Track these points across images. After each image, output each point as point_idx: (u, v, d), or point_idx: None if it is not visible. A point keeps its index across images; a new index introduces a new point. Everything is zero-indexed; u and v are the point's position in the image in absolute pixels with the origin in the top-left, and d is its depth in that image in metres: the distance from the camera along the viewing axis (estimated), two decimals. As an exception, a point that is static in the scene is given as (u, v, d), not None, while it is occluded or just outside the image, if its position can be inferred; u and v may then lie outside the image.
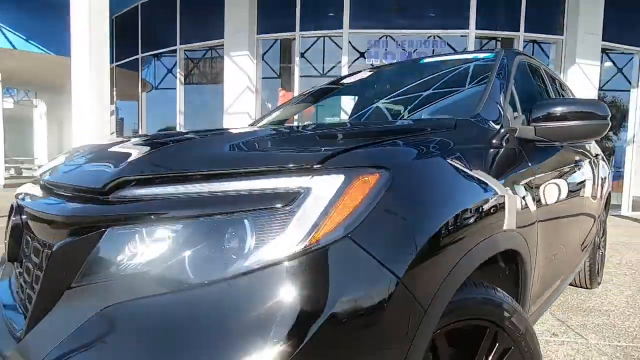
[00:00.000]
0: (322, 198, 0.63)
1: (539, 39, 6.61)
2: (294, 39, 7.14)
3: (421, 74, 1.75)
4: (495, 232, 0.88)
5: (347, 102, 2.08)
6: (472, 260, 0.78)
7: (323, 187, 0.64)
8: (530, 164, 1.20)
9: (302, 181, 0.64)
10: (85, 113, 4.16)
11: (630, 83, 7.45)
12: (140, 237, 0.65)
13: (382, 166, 0.71)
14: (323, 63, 7.83)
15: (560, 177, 1.44)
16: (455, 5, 6.49)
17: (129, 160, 0.74)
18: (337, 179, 0.65)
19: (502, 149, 1.12)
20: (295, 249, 0.59)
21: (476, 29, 6.46)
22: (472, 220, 0.80)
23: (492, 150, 1.08)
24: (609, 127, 1.27)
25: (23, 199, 0.97)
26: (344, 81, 2.15)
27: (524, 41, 6.54)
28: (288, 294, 0.58)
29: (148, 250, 0.64)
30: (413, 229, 0.69)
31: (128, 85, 9.47)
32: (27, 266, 0.86)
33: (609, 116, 1.26)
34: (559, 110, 1.23)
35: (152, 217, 0.65)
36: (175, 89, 8.39)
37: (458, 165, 0.84)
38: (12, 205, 1.15)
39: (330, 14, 6.84)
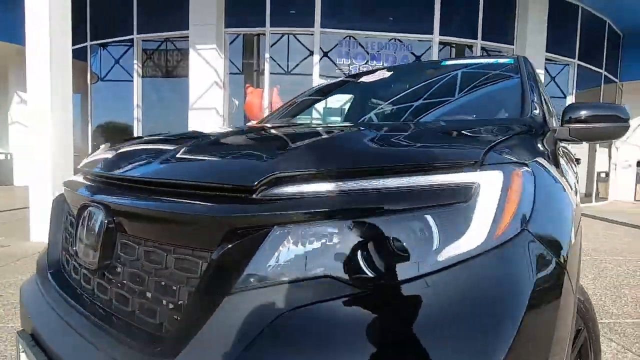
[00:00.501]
0: (493, 193, 0.65)
1: (493, 47, 7.17)
2: (264, 34, 7.00)
3: (447, 76, 1.83)
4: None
5: (365, 102, 2.11)
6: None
7: (490, 182, 0.66)
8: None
9: (472, 177, 0.66)
10: (44, 109, 3.72)
11: (561, 90, 8.41)
12: (307, 237, 0.62)
13: (523, 162, 0.75)
14: (287, 61, 7.78)
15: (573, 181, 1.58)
16: (422, 13, 6.82)
17: (278, 155, 0.70)
18: (498, 175, 0.68)
19: (557, 150, 1.22)
20: (484, 244, 0.61)
21: (439, 35, 6.85)
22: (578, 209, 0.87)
23: (552, 150, 1.17)
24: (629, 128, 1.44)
25: (99, 199, 0.86)
26: (362, 79, 2.17)
27: (481, 48, 7.06)
28: (484, 290, 0.59)
29: (317, 252, 0.61)
30: (560, 221, 0.74)
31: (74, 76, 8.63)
32: (131, 272, 0.78)
33: (630, 119, 1.43)
34: (590, 112, 1.36)
35: (317, 215, 0.63)
36: (128, 81, 7.83)
37: (561, 162, 0.91)
38: (64, 207, 1.02)
39: (301, 12, 6.82)
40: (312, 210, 0.63)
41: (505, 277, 0.61)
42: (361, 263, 0.60)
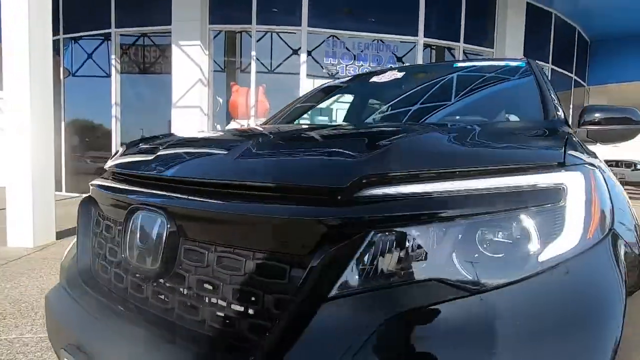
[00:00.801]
0: (579, 194, 0.67)
1: (474, 50, 7.39)
2: (248, 32, 6.89)
3: (460, 78, 1.86)
4: None
5: (384, 102, 2.10)
6: None
7: (575, 183, 0.68)
8: None
9: (560, 177, 0.67)
10: (23, 107, 3.49)
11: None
12: (405, 240, 0.61)
13: (591, 163, 0.77)
14: (271, 59, 7.70)
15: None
16: (407, 16, 6.94)
17: (363, 156, 0.68)
18: (580, 176, 0.70)
19: None
20: (580, 245, 0.62)
21: (424, 37, 6.99)
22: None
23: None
24: (641, 131, 1.51)
25: (158, 202, 0.81)
26: (372, 80, 2.17)
27: (463, 51, 7.27)
28: (584, 290, 0.60)
29: (418, 255, 0.61)
30: (628, 217, 0.77)
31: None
32: (200, 279, 0.73)
33: (643, 122, 1.50)
34: (604, 115, 1.42)
35: (414, 218, 0.62)
36: (102, 76, 7.49)
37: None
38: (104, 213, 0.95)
39: (288, 10, 6.76)
40: (410, 213, 0.62)
41: (602, 276, 0.62)
42: (465, 265, 0.60)
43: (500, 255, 0.61)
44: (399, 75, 2.07)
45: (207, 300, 0.73)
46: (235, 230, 0.71)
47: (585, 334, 0.57)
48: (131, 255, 0.83)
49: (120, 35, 7.31)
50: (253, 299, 0.67)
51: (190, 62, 6.61)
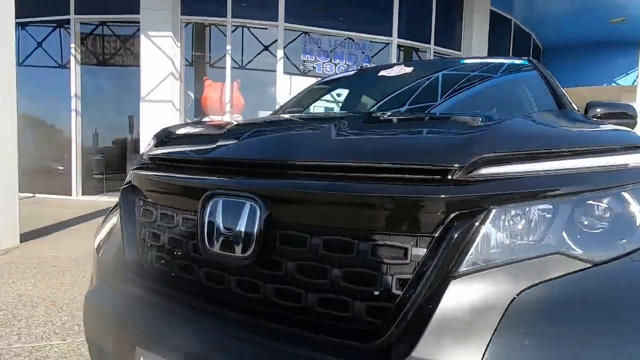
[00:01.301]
0: None
1: (444, 52, 7.71)
2: (224, 25, 6.69)
3: (471, 74, 1.94)
4: None
5: (384, 95, 2.13)
6: None
7: None
8: None
9: None
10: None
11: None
12: (524, 216, 0.63)
13: None
14: (241, 55, 7.53)
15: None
16: (382, 16, 7.10)
17: (478, 137, 0.69)
18: None
19: None
20: None
21: (398, 37, 7.18)
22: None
23: None
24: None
25: (249, 185, 0.76)
26: (381, 74, 2.19)
27: (434, 52, 7.56)
28: None
29: (538, 230, 0.63)
30: None
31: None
32: (302, 265, 0.71)
33: (637, 116, 1.65)
34: (605, 110, 1.55)
35: (531, 195, 0.64)
36: (55, 67, 6.93)
37: None
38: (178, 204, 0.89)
39: (265, 5, 6.64)
40: (527, 191, 0.65)
41: None
42: (582, 239, 0.63)
43: (610, 228, 0.65)
44: (409, 70, 2.12)
45: (311, 286, 0.71)
46: (346, 213, 0.69)
47: None
48: (211, 245, 0.78)
49: (81, 23, 6.79)
50: (369, 281, 0.66)
51: (160, 54, 6.29)
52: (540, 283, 0.60)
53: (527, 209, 0.63)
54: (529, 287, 0.59)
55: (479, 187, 0.64)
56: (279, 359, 0.66)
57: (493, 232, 0.62)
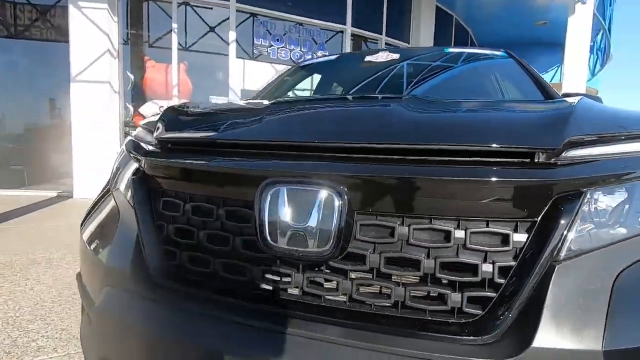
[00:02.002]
0: None
1: (394, 42, 7.92)
2: (169, 1, 6.13)
3: (455, 64, 1.99)
4: None
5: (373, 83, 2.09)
6: None
7: None
8: None
9: None
10: None
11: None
12: (617, 195, 0.64)
13: None
14: (186, 36, 7.03)
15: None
16: (337, 4, 7.06)
17: (563, 121, 0.68)
18: None
19: None
20: None
21: (352, 26, 7.20)
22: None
23: None
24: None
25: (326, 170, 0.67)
26: (368, 59, 2.14)
27: (385, 43, 7.74)
28: None
29: (619, 211, 0.64)
30: None
31: None
32: (389, 257, 0.65)
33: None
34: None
35: (619, 176, 0.65)
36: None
37: None
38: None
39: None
40: (615, 173, 0.65)
41: None
42: None
43: None
44: (397, 56, 2.11)
45: (401, 279, 0.65)
46: (440, 199, 0.64)
47: None
48: (274, 240, 0.68)
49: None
50: (469, 270, 0.63)
51: (95, 29, 5.57)
52: (638, 261, 0.61)
53: (616, 190, 0.64)
54: (629, 266, 0.60)
55: (574, 170, 0.64)
56: None
57: (590, 214, 0.62)
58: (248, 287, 0.73)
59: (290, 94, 2.09)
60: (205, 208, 0.78)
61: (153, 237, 0.83)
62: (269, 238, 0.69)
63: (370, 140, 0.69)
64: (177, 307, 0.73)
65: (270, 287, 0.71)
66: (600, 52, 9.50)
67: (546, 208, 0.62)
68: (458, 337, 0.60)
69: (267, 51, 6.67)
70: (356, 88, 1.86)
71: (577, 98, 1.08)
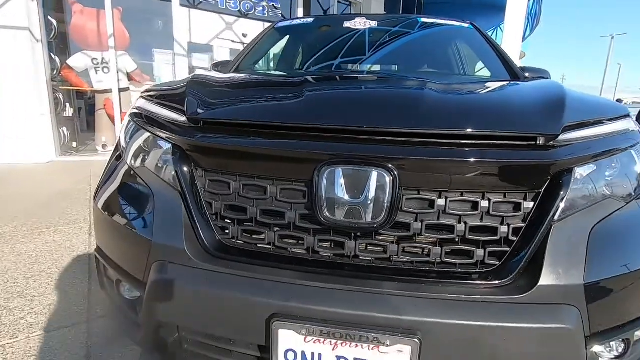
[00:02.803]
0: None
1: (346, 1, 7.76)
2: None
3: (423, 33, 2.12)
4: None
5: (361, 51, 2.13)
6: None
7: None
8: None
9: (631, 124, 1.01)
10: None
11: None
12: (597, 170, 0.85)
13: None
14: None
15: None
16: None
17: (558, 109, 0.85)
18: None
19: None
20: None
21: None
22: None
23: None
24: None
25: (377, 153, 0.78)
26: (346, 25, 2.16)
27: (337, 1, 7.55)
28: None
29: (604, 180, 0.86)
30: None
31: None
32: (430, 224, 0.80)
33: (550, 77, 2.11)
34: (534, 73, 1.93)
35: (602, 154, 0.85)
36: None
37: None
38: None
39: None
40: (600, 151, 0.85)
41: None
42: (623, 184, 0.88)
43: (630, 180, 0.92)
44: (374, 24, 2.16)
45: (437, 241, 0.81)
46: (469, 176, 0.79)
47: None
48: (332, 214, 0.79)
49: None
50: (490, 231, 0.80)
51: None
52: (606, 218, 0.83)
53: (591, 165, 0.85)
54: (599, 222, 0.82)
55: (568, 151, 0.82)
56: (423, 306, 0.76)
57: (575, 185, 0.82)
58: (305, 255, 0.84)
59: (277, 60, 2.07)
60: (259, 185, 0.85)
61: (203, 215, 0.89)
62: (327, 212, 0.80)
63: (412, 126, 0.81)
64: (236, 274, 0.82)
65: (327, 254, 0.83)
66: (531, 17, 10.24)
67: (548, 182, 0.80)
68: (483, 282, 0.78)
69: (215, 0, 6.16)
70: (355, 59, 1.91)
71: (548, 81, 1.27)
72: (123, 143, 1.14)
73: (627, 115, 1.02)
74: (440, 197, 0.80)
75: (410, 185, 0.80)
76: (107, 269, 1.11)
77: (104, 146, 6.00)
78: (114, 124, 5.81)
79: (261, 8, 6.62)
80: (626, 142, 0.93)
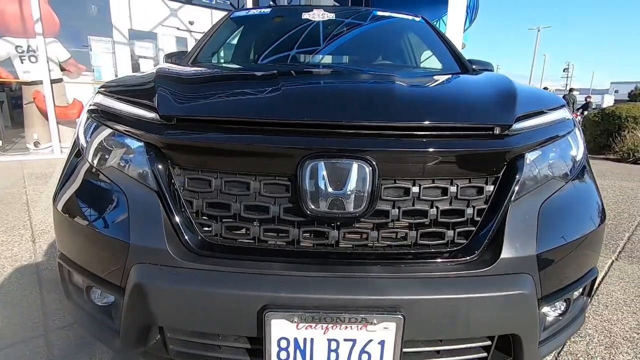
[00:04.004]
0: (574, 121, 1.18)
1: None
2: None
3: (377, 25, 2.20)
4: None
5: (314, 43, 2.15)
6: None
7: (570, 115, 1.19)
8: None
9: (567, 113, 1.16)
10: None
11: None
12: (544, 154, 0.97)
13: None
14: None
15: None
16: None
17: (510, 100, 0.96)
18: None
19: None
20: (583, 150, 1.13)
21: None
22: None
23: None
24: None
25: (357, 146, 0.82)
26: (305, 17, 2.16)
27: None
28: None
29: (550, 164, 0.98)
30: None
31: None
32: (406, 210, 0.86)
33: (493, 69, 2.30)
34: (480, 66, 2.11)
35: (546, 141, 0.98)
36: None
37: None
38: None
39: None
40: (544, 138, 0.98)
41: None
42: (561, 167, 1.01)
43: (574, 159, 1.05)
44: (332, 16, 2.19)
45: (413, 225, 0.88)
46: (439, 164, 0.86)
47: (586, 207, 1.08)
48: (317, 205, 0.83)
49: None
50: (458, 213, 0.89)
51: None
52: (550, 196, 0.96)
53: (539, 151, 0.97)
54: (546, 199, 0.94)
55: (520, 138, 0.93)
56: (403, 285, 0.83)
57: (528, 169, 0.93)
58: (290, 246, 0.87)
59: (234, 50, 2.02)
60: (242, 182, 0.86)
61: (184, 214, 0.87)
62: (312, 205, 0.83)
63: (390, 120, 0.87)
64: (224, 270, 0.83)
65: (312, 244, 0.87)
66: (470, 10, 10.88)
67: (505, 167, 0.90)
68: (453, 259, 0.87)
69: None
70: (311, 50, 1.93)
71: (497, 75, 1.40)
72: (83, 142, 1.07)
73: (564, 106, 1.17)
74: (414, 184, 0.87)
75: (387, 175, 0.85)
76: (73, 276, 1.06)
77: (36, 144, 5.45)
78: (47, 119, 5.28)
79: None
80: (564, 129, 1.07)
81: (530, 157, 0.94)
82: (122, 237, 0.88)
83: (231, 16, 2.33)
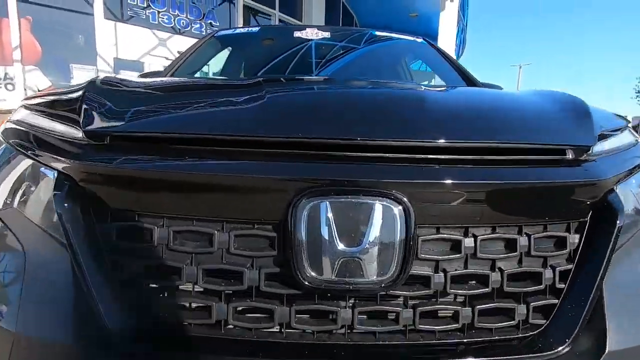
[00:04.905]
0: None
1: (287, 19, 7.73)
2: None
3: (377, 47, 2.00)
4: None
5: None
6: None
7: None
8: None
9: None
10: None
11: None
12: (629, 186, 0.68)
13: None
14: None
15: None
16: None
17: (587, 117, 0.69)
18: None
19: None
20: None
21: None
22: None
23: None
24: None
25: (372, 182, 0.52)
26: (297, 35, 1.95)
27: (279, 19, 7.48)
28: None
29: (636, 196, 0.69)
30: None
31: None
32: (456, 275, 0.55)
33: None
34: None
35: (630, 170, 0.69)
36: None
37: None
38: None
39: None
40: (633, 165, 0.70)
41: None
42: None
43: None
44: (327, 34, 1.99)
45: (467, 298, 0.57)
46: (500, 203, 0.57)
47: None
48: (318, 271, 0.52)
49: None
50: (534, 279, 0.58)
51: None
52: None
53: (634, 181, 0.68)
54: None
55: (606, 165, 0.65)
56: None
57: (627, 209, 0.64)
58: (276, 336, 0.54)
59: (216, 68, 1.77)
60: (201, 232, 0.55)
61: (107, 283, 0.55)
62: (310, 269, 0.52)
63: (425, 138, 0.58)
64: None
65: (309, 331, 0.54)
66: (457, 47, 11.17)
67: (596, 206, 0.61)
68: (530, 354, 0.56)
69: (145, 14, 5.67)
70: (298, 69, 1.69)
71: (547, 90, 1.13)
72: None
73: (627, 127, 0.91)
74: (466, 234, 0.57)
75: (427, 221, 0.55)
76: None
77: (6, 175, 5.07)
78: (21, 149, 4.94)
79: (198, 25, 6.26)
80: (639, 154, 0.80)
81: (622, 189, 0.66)
82: (4, 324, 0.54)
83: (215, 35, 2.10)
